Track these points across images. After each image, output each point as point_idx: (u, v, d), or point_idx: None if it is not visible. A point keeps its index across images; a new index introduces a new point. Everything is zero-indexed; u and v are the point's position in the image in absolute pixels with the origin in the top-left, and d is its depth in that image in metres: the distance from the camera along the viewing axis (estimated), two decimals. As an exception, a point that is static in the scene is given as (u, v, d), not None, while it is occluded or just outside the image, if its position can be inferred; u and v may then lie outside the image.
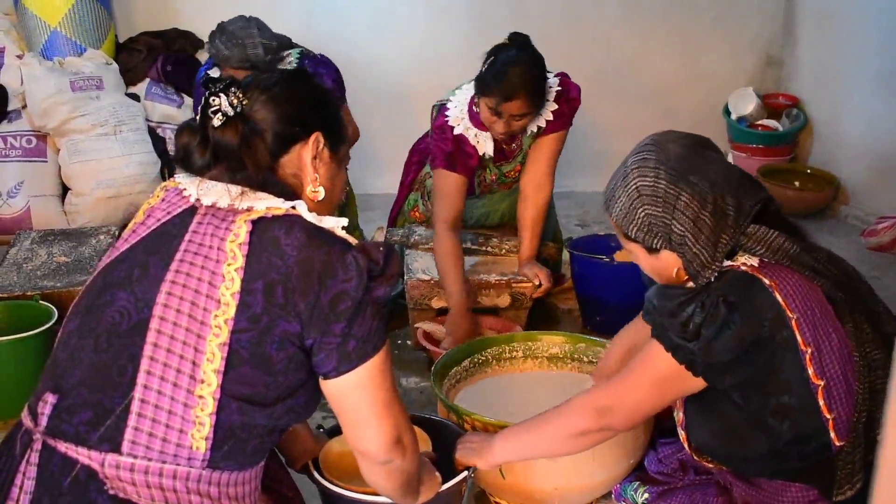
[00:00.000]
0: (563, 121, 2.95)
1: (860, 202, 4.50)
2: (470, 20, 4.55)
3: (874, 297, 1.73)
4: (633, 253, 1.74)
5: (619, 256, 3.08)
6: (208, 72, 3.35)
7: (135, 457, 1.33)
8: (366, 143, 4.19)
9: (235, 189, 1.42)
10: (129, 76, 4.40)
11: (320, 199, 1.51)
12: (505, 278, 3.01)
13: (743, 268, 1.62)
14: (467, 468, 1.84)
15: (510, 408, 2.19)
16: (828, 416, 1.60)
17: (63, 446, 1.35)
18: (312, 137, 1.49)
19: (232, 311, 1.34)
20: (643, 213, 1.63)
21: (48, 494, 1.33)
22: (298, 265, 1.35)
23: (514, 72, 2.69)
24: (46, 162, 4.10)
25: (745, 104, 4.94)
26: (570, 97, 2.94)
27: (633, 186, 1.64)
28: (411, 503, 1.65)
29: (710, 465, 1.81)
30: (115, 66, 4.32)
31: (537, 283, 2.98)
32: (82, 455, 1.34)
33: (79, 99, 4.03)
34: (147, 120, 4.31)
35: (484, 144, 2.92)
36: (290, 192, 1.47)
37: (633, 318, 2.11)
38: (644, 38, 4.95)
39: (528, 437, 1.82)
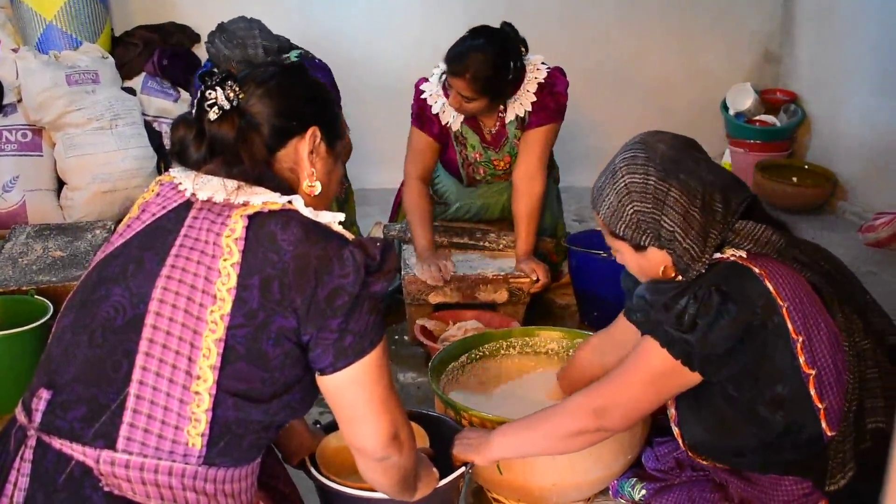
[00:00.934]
0: (547, 113, 2.98)
1: (858, 198, 4.50)
2: (467, 16, 4.52)
3: (861, 289, 1.76)
4: (619, 251, 1.75)
5: (616, 252, 3.07)
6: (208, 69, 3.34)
7: (130, 453, 1.32)
8: (363, 139, 4.19)
9: (232, 183, 1.41)
10: (125, 70, 4.38)
11: (317, 193, 1.50)
12: (502, 273, 3.01)
13: (732, 258, 1.64)
14: (465, 464, 1.84)
15: (506, 403, 2.19)
16: (819, 406, 1.61)
17: (57, 443, 1.34)
18: (309, 132, 1.49)
19: (228, 307, 1.33)
20: (632, 210, 1.65)
21: (42, 491, 1.33)
22: (295, 260, 1.34)
23: (469, 54, 2.82)
24: (42, 156, 4.08)
25: (743, 100, 4.94)
26: (554, 90, 2.98)
27: (623, 184, 1.66)
28: (408, 499, 1.64)
29: (706, 463, 1.81)
30: (111, 59, 4.30)
31: (535, 278, 2.98)
32: (77, 451, 1.33)
33: (74, 93, 4.01)
34: (143, 114, 4.30)
35: (448, 115, 3.04)
36: (287, 186, 1.46)
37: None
38: (642, 34, 4.95)
39: (525, 434, 1.82)
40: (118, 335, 1.36)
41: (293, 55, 3.30)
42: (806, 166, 4.78)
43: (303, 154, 1.48)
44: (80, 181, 4.01)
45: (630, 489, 2.03)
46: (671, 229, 1.63)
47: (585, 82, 4.35)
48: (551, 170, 3.26)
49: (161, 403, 1.33)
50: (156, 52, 4.42)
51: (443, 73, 2.94)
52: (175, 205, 1.45)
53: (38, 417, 1.36)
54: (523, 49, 2.96)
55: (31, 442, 1.36)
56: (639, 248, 1.69)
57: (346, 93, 3.49)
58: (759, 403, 1.62)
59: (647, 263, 1.71)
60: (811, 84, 4.89)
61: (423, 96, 3.06)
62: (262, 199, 1.40)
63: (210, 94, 1.42)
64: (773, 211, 1.78)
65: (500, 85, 2.89)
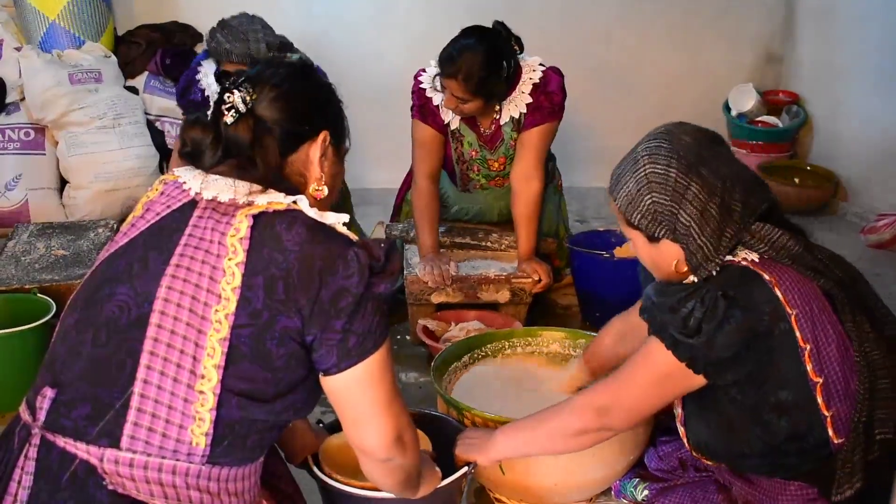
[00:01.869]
0: (542, 113, 2.95)
1: (860, 199, 4.50)
2: (469, 15, 4.51)
3: (876, 299, 1.73)
4: (632, 241, 1.73)
5: (618, 252, 3.07)
6: (202, 62, 3.32)
7: (134, 452, 1.33)
8: (364, 138, 4.18)
9: (243, 187, 1.40)
10: (128, 69, 4.39)
11: (323, 196, 1.50)
12: (504, 274, 3.01)
13: (743, 263, 1.62)
14: (467, 464, 1.84)
15: (509, 403, 2.19)
16: (826, 414, 1.60)
17: (62, 441, 1.34)
18: (321, 136, 1.49)
19: (232, 306, 1.33)
20: (650, 200, 1.62)
21: (46, 489, 1.33)
22: (299, 261, 1.35)
23: (461, 55, 2.79)
24: (45, 155, 4.09)
25: (745, 101, 4.94)
26: (547, 90, 2.95)
27: (643, 173, 1.63)
28: (411, 496, 1.65)
29: (710, 463, 1.81)
30: (114, 58, 4.30)
31: (536, 278, 2.98)
32: (81, 450, 1.33)
33: (77, 92, 4.02)
34: (146, 113, 4.30)
35: (447, 113, 3.01)
36: (294, 189, 1.46)
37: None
38: (644, 34, 4.95)
39: (528, 434, 1.82)
40: (123, 334, 1.36)
41: (294, 59, 3.29)
42: (808, 167, 4.78)
43: (314, 158, 1.49)
44: (82, 180, 4.02)
45: (632, 489, 2.03)
46: (687, 224, 1.61)
47: (586, 83, 4.35)
48: (552, 178, 3.25)
49: (165, 402, 1.33)
50: (158, 52, 4.42)
51: (436, 75, 2.91)
52: (179, 204, 1.45)
53: (42, 416, 1.36)
54: (517, 48, 2.93)
55: (36, 440, 1.36)
56: (652, 239, 1.67)
57: (348, 93, 3.46)
58: (764, 408, 1.62)
59: (659, 256, 1.69)
60: (813, 85, 4.88)
61: (422, 86, 3.02)
62: (267, 199, 1.40)
63: (228, 96, 1.42)
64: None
65: (494, 85, 2.86)
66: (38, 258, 3.11)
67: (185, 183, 1.47)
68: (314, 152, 1.49)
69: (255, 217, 1.38)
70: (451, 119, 3.04)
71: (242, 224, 1.37)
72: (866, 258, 3.85)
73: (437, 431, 1.91)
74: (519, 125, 3.00)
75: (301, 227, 1.37)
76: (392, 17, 4.77)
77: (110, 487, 1.32)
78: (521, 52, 2.95)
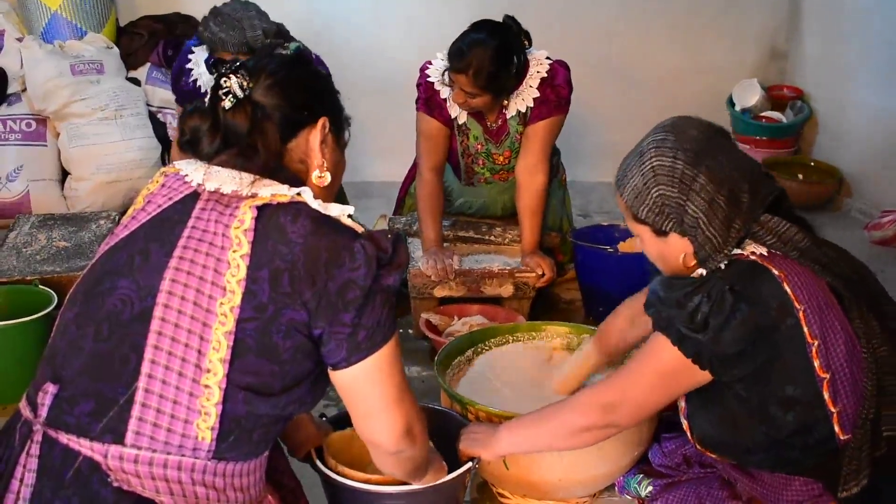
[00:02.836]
0: (548, 107, 2.95)
1: (864, 195, 4.48)
2: (471, 9, 4.50)
3: (884, 296, 1.72)
4: (639, 236, 1.72)
5: (622, 247, 3.06)
6: (194, 48, 3.29)
7: (139, 448, 1.31)
8: (366, 131, 4.17)
9: (248, 177, 1.39)
10: (130, 60, 4.37)
11: (326, 184, 1.49)
12: (508, 268, 3.00)
13: (752, 257, 1.62)
14: (471, 459, 1.83)
15: (512, 398, 2.18)
16: (832, 410, 1.60)
17: (64, 438, 1.33)
18: (320, 122, 1.48)
19: (238, 299, 1.32)
20: (657, 193, 1.61)
21: (50, 487, 1.32)
22: (304, 253, 1.33)
23: (471, 50, 2.76)
24: (46, 146, 4.07)
25: (749, 96, 4.92)
26: (554, 83, 2.94)
27: (650, 166, 1.62)
28: (417, 482, 1.69)
29: (714, 457, 1.80)
30: (116, 50, 4.29)
31: (540, 272, 2.97)
32: (84, 447, 1.32)
33: (79, 83, 4.01)
34: (147, 105, 4.29)
35: (454, 107, 2.99)
36: (296, 178, 1.45)
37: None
38: (647, 29, 4.92)
39: (532, 430, 1.81)
40: (125, 328, 1.35)
41: (292, 48, 3.26)
42: (812, 163, 4.76)
43: (314, 144, 1.48)
44: (84, 171, 4.01)
45: (636, 485, 2.02)
46: (695, 216, 1.59)
47: (589, 78, 4.32)
48: (556, 173, 3.24)
49: (170, 397, 1.32)
50: (160, 43, 4.40)
51: (445, 69, 2.89)
52: (181, 196, 1.44)
53: (44, 412, 1.35)
54: (526, 42, 2.92)
55: (38, 437, 1.34)
56: (660, 233, 1.66)
57: (349, 84, 3.45)
58: (770, 403, 1.61)
59: (667, 250, 1.67)
60: (818, 80, 4.87)
61: (429, 79, 2.99)
62: (271, 190, 1.39)
63: (225, 81, 1.41)
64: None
65: (504, 80, 2.86)
66: (40, 249, 3.10)
67: (186, 175, 1.46)
68: (314, 138, 1.47)
69: (259, 209, 1.36)
70: (459, 113, 3.02)
71: (246, 216, 1.36)
72: (870, 255, 3.83)
73: (440, 426, 1.89)
74: (525, 119, 2.99)
75: (306, 219, 1.36)
76: (393, 9, 4.74)
77: (115, 484, 1.31)
78: (530, 46, 2.94)
